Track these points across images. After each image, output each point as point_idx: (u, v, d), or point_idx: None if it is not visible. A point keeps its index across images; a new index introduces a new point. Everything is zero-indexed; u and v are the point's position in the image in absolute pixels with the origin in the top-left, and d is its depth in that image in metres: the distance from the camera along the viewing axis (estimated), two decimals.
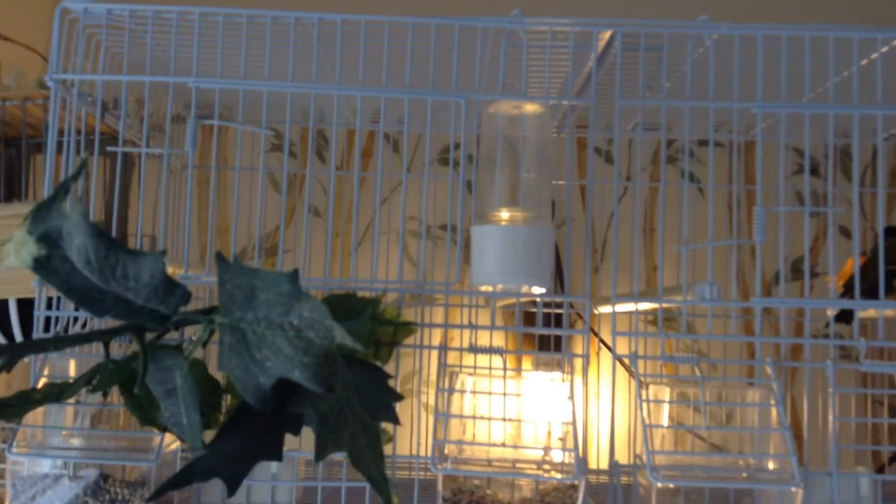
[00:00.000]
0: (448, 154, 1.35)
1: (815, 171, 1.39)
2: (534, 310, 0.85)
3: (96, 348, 0.82)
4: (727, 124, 1.15)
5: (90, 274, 0.47)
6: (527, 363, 1.16)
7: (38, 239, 0.46)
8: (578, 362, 0.78)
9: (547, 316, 0.85)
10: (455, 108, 0.79)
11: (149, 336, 0.58)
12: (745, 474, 0.75)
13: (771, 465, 0.75)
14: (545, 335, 0.92)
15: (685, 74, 0.80)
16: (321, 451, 0.55)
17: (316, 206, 1.39)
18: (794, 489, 0.70)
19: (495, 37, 0.81)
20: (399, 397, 0.68)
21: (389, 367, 0.69)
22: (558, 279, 1.35)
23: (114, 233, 0.88)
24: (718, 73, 0.78)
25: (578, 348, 1.20)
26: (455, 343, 0.85)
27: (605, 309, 1.05)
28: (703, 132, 1.18)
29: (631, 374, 0.77)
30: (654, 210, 1.44)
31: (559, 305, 0.93)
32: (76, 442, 0.78)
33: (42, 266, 0.46)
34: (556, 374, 0.80)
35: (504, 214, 0.73)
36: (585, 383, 0.81)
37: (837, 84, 0.82)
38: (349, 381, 0.62)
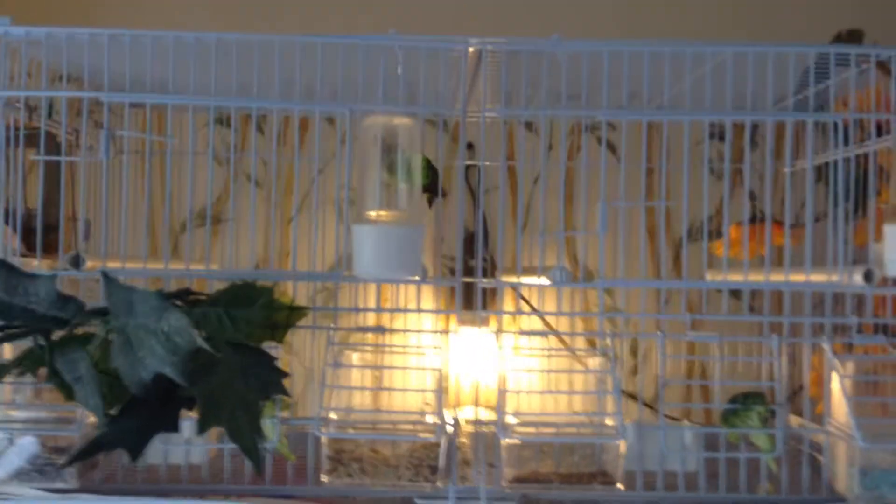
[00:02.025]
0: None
1: (722, 138, 1.52)
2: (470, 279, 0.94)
3: None
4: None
5: None
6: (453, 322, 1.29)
7: None
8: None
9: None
10: (340, 118, 0.90)
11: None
12: (591, 430, 0.89)
13: (609, 422, 0.89)
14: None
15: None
16: (202, 426, 0.67)
17: (258, 176, 1.49)
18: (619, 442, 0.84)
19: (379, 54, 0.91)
20: (285, 374, 0.81)
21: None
22: (485, 246, 1.47)
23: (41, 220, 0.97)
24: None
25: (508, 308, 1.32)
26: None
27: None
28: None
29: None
30: (573, 178, 1.54)
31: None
32: (15, 415, 0.90)
33: None
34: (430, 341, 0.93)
35: (378, 215, 0.85)
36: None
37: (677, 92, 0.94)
38: (235, 366, 0.74)
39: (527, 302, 1.40)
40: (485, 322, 1.27)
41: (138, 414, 0.70)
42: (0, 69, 0.90)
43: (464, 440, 1.06)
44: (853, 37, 1.17)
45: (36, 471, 0.86)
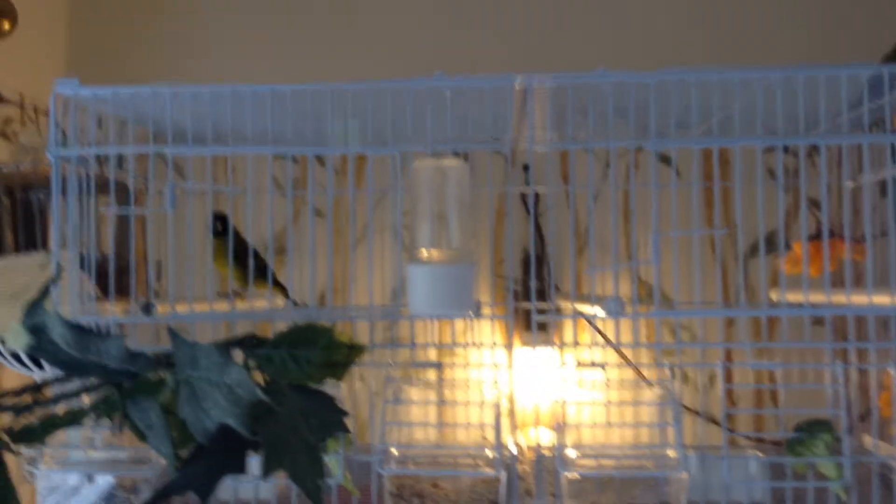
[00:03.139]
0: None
1: (787, 149, 1.50)
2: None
3: None
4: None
5: (71, 350, 0.62)
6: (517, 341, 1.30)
7: (29, 330, 0.61)
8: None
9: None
10: (392, 160, 0.92)
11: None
12: (650, 462, 0.89)
13: (671, 453, 0.88)
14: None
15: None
16: (267, 470, 0.69)
17: (319, 207, 1.52)
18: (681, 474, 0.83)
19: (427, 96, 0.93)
20: (345, 413, 0.83)
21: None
22: (543, 266, 1.48)
23: (114, 262, 1.02)
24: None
25: (568, 334, 1.32)
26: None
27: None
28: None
29: (625, 360, 0.90)
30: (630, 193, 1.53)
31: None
32: (93, 454, 0.94)
33: (34, 349, 0.61)
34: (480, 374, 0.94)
35: (430, 255, 0.87)
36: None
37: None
38: (297, 409, 0.76)
39: (601, 333, 1.40)
40: (543, 342, 1.27)
41: (207, 458, 0.72)
42: (70, 129, 0.95)
43: (526, 468, 1.06)
44: None
45: None
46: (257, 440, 0.74)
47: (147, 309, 0.91)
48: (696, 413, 1.30)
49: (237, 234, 1.08)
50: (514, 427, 1.21)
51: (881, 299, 0.89)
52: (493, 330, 1.33)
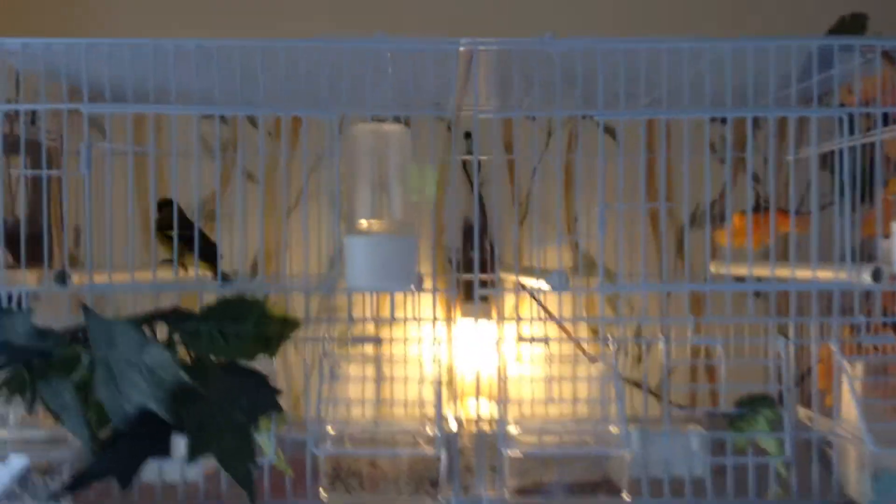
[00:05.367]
0: None
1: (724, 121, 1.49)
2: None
3: None
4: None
5: None
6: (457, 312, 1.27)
7: None
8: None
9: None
10: (328, 124, 0.87)
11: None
12: (592, 438, 0.87)
13: (613, 429, 0.87)
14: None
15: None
16: (192, 455, 0.65)
17: (251, 170, 1.44)
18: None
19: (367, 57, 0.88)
20: (278, 391, 0.79)
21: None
22: (485, 236, 1.44)
23: (26, 227, 0.95)
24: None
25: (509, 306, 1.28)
26: None
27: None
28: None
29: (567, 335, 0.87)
30: (573, 163, 1.50)
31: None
32: (5, 434, 0.88)
33: None
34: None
35: (370, 224, 0.82)
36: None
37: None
38: (225, 389, 0.72)
39: (543, 308, 1.37)
40: (484, 315, 1.24)
41: (127, 442, 0.68)
42: None
43: (466, 442, 1.04)
44: (856, 21, 1.14)
45: (28, 492, 0.85)
46: (181, 423, 0.70)
47: (61, 278, 0.84)
48: (637, 385, 1.30)
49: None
50: (454, 397, 1.18)
51: (824, 274, 0.88)
52: (435, 303, 1.29)
